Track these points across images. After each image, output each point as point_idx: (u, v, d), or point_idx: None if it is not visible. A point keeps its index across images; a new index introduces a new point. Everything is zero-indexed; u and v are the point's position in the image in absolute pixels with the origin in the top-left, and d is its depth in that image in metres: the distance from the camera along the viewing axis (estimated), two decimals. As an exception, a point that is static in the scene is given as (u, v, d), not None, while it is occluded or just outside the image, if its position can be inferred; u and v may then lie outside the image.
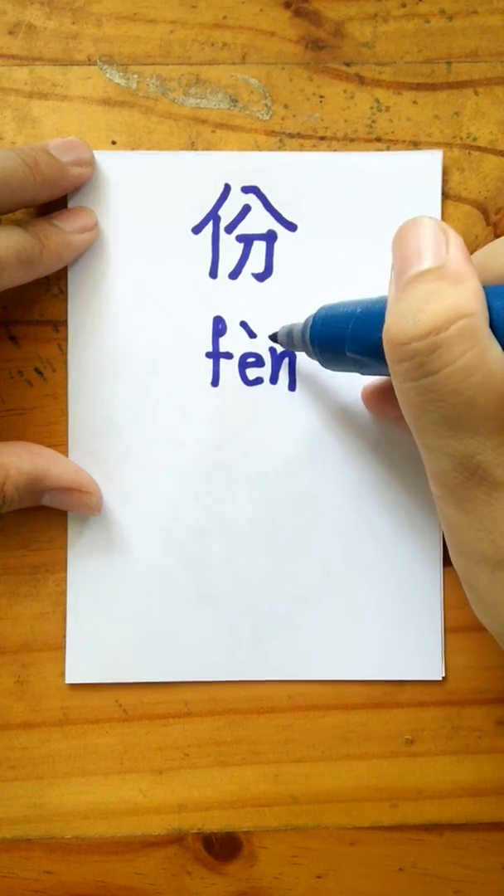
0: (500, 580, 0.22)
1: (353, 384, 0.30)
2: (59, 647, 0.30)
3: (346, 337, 0.25)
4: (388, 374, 0.24)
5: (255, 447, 0.30)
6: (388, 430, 0.30)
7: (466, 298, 0.21)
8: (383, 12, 0.30)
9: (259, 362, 0.30)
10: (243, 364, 0.30)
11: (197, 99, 0.30)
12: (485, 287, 0.22)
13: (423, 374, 0.21)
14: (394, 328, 0.22)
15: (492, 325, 0.22)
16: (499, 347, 0.21)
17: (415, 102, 0.30)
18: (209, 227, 0.30)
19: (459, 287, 0.22)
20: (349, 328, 0.25)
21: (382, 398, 0.29)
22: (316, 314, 0.26)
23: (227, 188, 0.30)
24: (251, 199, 0.30)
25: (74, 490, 0.29)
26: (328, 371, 0.30)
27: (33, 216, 0.30)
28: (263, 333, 0.30)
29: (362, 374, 0.26)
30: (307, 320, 0.27)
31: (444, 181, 0.30)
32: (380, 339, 0.23)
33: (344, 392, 0.30)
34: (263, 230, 0.30)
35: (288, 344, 0.28)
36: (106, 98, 0.30)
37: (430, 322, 0.21)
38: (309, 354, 0.27)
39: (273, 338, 0.29)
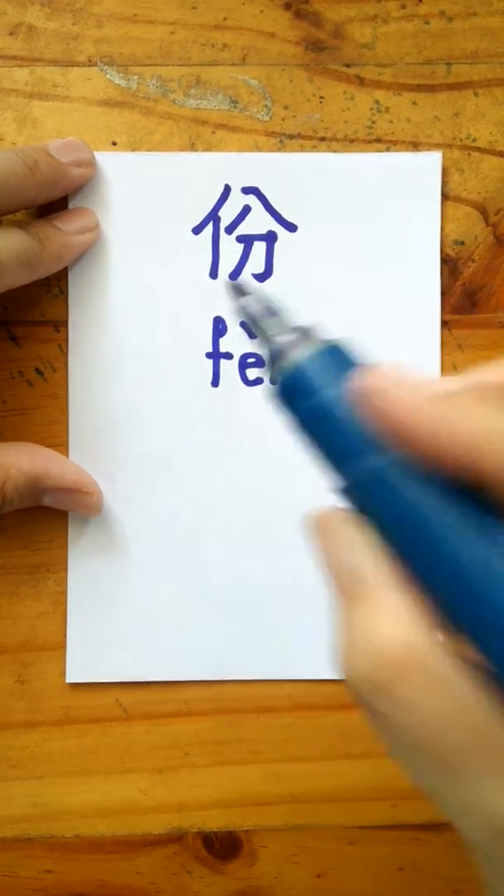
0: None
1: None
2: (60, 646, 0.30)
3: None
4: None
5: (256, 447, 0.30)
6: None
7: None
8: (383, 14, 0.30)
9: (259, 362, 0.30)
10: (243, 364, 0.30)
11: (197, 100, 0.30)
12: None
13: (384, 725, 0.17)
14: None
15: None
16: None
17: (414, 103, 0.30)
18: (209, 228, 0.30)
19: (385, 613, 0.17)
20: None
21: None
22: (283, 379, 0.20)
23: (227, 189, 0.30)
24: (251, 199, 0.30)
25: (75, 490, 0.29)
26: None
27: (33, 217, 0.30)
28: (263, 334, 0.30)
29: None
30: (276, 368, 0.20)
31: (444, 182, 0.30)
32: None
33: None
34: (263, 231, 0.30)
35: (250, 332, 0.22)
36: (106, 99, 0.30)
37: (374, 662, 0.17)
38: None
39: (237, 290, 0.21)
